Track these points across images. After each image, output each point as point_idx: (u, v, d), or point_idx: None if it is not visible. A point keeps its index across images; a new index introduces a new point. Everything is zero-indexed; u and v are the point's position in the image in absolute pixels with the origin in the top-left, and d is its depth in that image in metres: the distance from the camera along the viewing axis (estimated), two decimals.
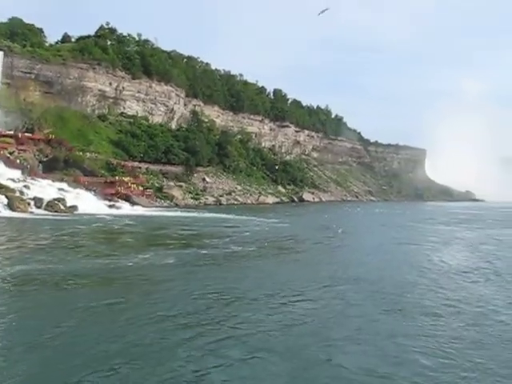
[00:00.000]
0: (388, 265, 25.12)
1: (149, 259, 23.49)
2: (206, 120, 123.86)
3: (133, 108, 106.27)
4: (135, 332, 12.64)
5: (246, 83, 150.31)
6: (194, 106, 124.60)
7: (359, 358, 11.56)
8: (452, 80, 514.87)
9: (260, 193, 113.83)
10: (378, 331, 13.72)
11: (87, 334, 12.38)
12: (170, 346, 11.77)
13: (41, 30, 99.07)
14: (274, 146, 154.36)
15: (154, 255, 24.68)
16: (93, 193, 67.19)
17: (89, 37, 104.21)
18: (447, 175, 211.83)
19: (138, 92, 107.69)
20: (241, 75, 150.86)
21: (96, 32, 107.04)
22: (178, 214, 60.85)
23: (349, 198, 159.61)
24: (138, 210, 65.08)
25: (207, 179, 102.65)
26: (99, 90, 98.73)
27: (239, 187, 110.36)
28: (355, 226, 53.15)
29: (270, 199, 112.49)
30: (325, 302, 16.91)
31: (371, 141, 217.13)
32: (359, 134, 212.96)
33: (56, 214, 51.87)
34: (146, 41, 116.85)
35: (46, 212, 52.20)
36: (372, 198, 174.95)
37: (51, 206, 54.73)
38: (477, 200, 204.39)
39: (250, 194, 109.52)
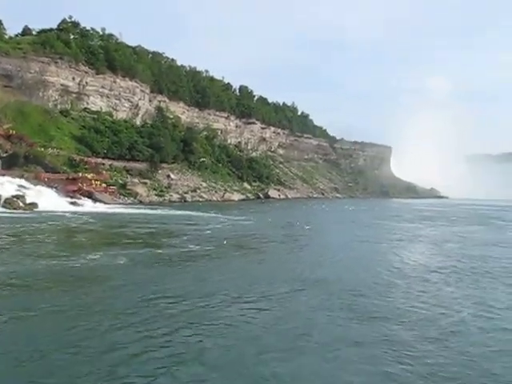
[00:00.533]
0: (352, 265, 24.48)
1: (97, 260, 22.22)
2: (171, 116, 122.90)
3: (96, 103, 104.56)
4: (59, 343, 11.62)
5: (211, 79, 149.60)
6: (159, 102, 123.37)
7: (308, 370, 10.88)
8: (418, 78, 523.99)
9: (225, 190, 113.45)
10: (337, 338, 12.94)
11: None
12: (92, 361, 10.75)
13: (0, 22, 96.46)
14: (239, 142, 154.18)
15: (105, 256, 23.40)
16: (54, 190, 65.80)
17: (51, 30, 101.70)
18: (412, 172, 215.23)
19: (102, 87, 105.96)
20: (207, 71, 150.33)
21: (58, 25, 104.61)
22: (141, 211, 60.12)
23: (315, 195, 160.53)
24: (101, 207, 64.07)
25: (172, 176, 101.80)
26: (61, 85, 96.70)
27: (204, 184, 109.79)
28: (321, 223, 53.27)
29: (236, 196, 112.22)
30: (280, 307, 15.80)
31: (337, 138, 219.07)
32: (325, 131, 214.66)
33: (14, 211, 50.67)
34: (111, 35, 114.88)
35: (4, 210, 50.85)
36: (338, 194, 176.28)
37: (9, 203, 53.39)
38: (441, 197, 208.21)
39: (216, 191, 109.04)
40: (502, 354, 11.92)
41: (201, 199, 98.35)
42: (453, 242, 36.33)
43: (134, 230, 36.57)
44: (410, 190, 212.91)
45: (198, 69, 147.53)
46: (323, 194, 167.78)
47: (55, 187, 66.81)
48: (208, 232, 35.88)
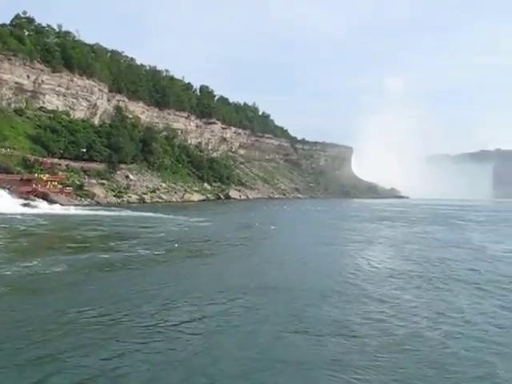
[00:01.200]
0: (307, 270, 23.45)
1: (32, 268, 20.40)
2: (131, 116, 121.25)
3: (53, 102, 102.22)
4: None
5: (172, 79, 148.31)
6: (118, 101, 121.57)
7: None
8: (378, 79, 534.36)
9: (185, 190, 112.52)
10: (275, 358, 11.22)
11: None
12: None
13: None
14: (200, 142, 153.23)
15: (42, 262, 21.59)
16: (7, 191, 63.98)
17: (3, 25, 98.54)
18: (373, 172, 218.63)
19: (59, 86, 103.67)
20: (167, 71, 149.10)
21: (11, 21, 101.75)
22: (97, 212, 58.82)
23: (276, 196, 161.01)
24: (56, 209, 62.37)
25: (131, 176, 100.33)
26: (16, 83, 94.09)
27: (164, 185, 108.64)
28: (281, 224, 52.67)
29: (196, 197, 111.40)
30: (223, 319, 14.25)
31: (298, 138, 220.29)
32: (286, 131, 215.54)
33: None
34: (67, 33, 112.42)
35: None
36: (299, 195, 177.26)
37: None
38: (402, 197, 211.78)
39: (175, 192, 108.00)
40: (463, 362, 11.50)
41: (160, 200, 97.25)
42: (413, 243, 35.89)
43: (83, 232, 35.26)
44: (371, 190, 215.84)
45: (157, 68, 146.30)
46: (284, 195, 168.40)
47: (8, 188, 64.96)
48: (162, 235, 34.75)
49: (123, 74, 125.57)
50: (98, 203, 79.32)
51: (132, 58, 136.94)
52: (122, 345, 11.81)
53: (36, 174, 75.56)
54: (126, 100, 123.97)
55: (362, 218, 67.19)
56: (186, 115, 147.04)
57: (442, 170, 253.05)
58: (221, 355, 11.52)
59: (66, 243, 29.29)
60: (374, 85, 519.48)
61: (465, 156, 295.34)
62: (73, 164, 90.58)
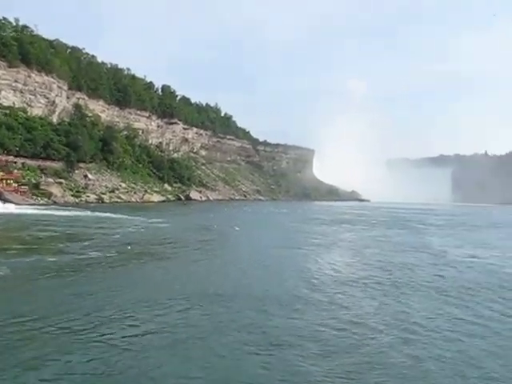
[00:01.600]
0: (262, 275, 22.41)
1: None
2: (90, 114, 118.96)
3: (9, 98, 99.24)
4: None
5: (133, 78, 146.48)
6: (78, 99, 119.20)
7: None
8: (339, 81, 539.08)
9: (146, 191, 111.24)
10: (221, 377, 10.33)
11: None
12: None
13: None
14: (161, 143, 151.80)
15: None
16: None
17: None
18: (335, 175, 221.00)
19: (15, 81, 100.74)
20: (128, 69, 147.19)
21: None
22: (52, 212, 57.33)
23: (237, 197, 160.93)
24: (10, 208, 60.58)
25: (89, 176, 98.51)
26: None
27: (123, 185, 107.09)
28: (241, 226, 51.87)
29: (156, 198, 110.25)
30: (157, 331, 13.00)
31: (260, 140, 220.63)
32: (248, 132, 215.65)
33: None
34: (25, 27, 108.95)
35: None
36: (260, 197, 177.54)
37: None
38: (362, 200, 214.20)
39: (135, 192, 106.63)
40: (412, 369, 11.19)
41: (119, 200, 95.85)
42: (372, 247, 35.04)
43: (34, 233, 33.79)
44: (332, 193, 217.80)
45: (119, 66, 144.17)
46: (245, 196, 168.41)
47: None
48: (116, 236, 33.46)
49: (83, 72, 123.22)
50: (54, 203, 77.58)
51: (93, 56, 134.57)
52: (58, 363, 10.57)
53: None
54: (86, 98, 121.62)
55: (322, 220, 66.84)
56: (147, 115, 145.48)
57: (403, 174, 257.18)
58: (158, 373, 10.35)
59: (13, 245, 27.53)
60: (336, 87, 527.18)
61: (424, 160, 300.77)
62: (29, 162, 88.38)
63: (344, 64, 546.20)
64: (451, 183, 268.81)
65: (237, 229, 46.10)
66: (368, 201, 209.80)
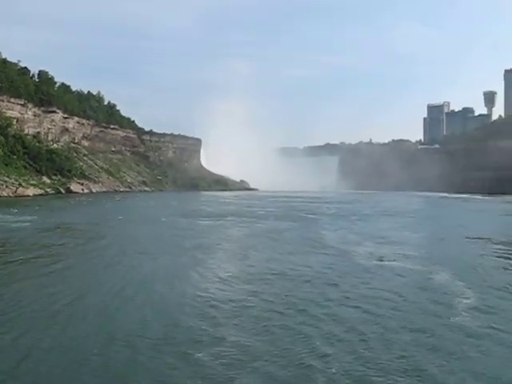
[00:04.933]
0: (146, 282, 19.63)
1: None
2: None
3: None
4: None
5: (4, 62, 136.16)
6: None
7: None
8: (224, 71, 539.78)
9: (20, 184, 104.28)
10: None
11: None
12: None
13: None
14: (39, 133, 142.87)
15: None
16: None
17: None
18: (223, 165, 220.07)
19: None
20: None
21: None
22: None
23: (121, 189, 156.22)
24: None
25: None
26: None
27: None
28: (116, 222, 48.59)
29: (32, 191, 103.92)
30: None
31: (146, 130, 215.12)
32: (133, 122, 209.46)
33: None
34: None
35: None
36: (146, 188, 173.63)
37: None
38: (251, 189, 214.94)
39: (7, 186, 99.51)
40: None
41: None
42: (261, 249, 29.95)
43: None
44: (220, 183, 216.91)
45: None
46: (131, 188, 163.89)
47: None
48: None
49: None
50: None
51: None
52: None
53: None
54: None
55: (204, 213, 63.85)
56: (22, 102, 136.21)
57: (292, 163, 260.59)
58: None
59: None
60: (221, 77, 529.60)
61: (312, 149, 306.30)
62: None
63: (229, 55, 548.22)
64: (338, 171, 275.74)
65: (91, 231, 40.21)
66: (256, 190, 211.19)
